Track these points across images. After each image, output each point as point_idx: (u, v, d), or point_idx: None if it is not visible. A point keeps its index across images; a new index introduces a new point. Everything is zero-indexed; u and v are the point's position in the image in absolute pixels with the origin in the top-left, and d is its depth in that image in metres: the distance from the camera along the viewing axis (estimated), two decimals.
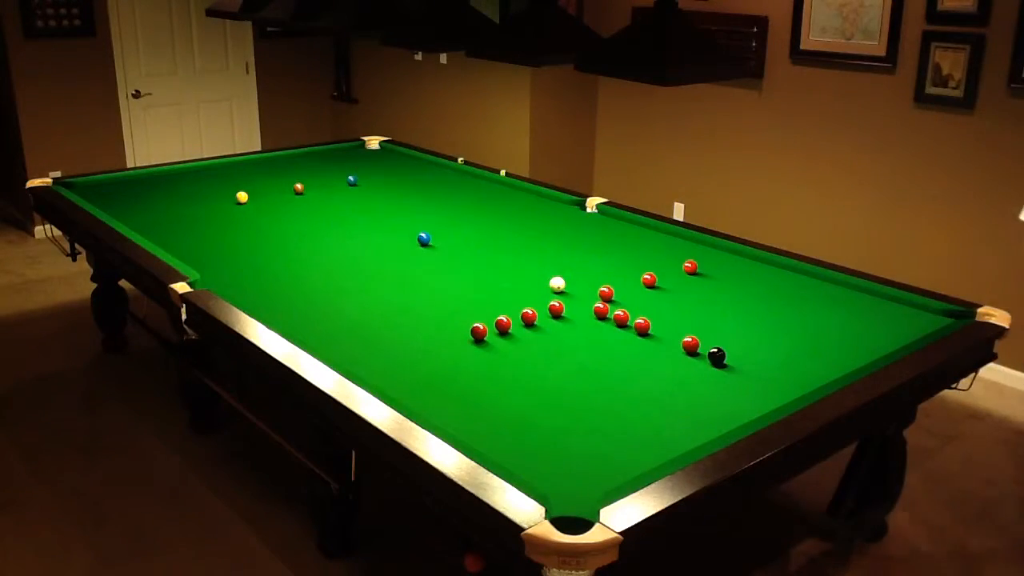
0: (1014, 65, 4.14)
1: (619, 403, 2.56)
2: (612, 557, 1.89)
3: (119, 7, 6.41)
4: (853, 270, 3.48)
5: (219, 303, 3.12)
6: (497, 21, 5.10)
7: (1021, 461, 3.84)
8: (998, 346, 3.04)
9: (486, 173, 4.88)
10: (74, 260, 4.59)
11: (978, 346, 2.95)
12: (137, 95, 6.62)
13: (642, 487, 2.08)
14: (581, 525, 1.92)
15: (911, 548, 3.23)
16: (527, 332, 2.99)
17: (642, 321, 2.99)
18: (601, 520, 1.95)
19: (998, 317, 3.02)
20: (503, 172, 4.85)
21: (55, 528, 3.29)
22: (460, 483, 2.08)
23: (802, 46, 4.91)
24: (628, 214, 4.20)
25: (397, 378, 2.64)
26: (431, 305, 3.24)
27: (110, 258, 3.97)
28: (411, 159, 5.26)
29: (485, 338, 2.91)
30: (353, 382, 2.56)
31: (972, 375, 2.98)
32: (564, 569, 1.87)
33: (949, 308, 3.13)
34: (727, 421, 2.40)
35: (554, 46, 3.15)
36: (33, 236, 6.41)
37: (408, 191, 4.63)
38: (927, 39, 4.41)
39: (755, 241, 3.82)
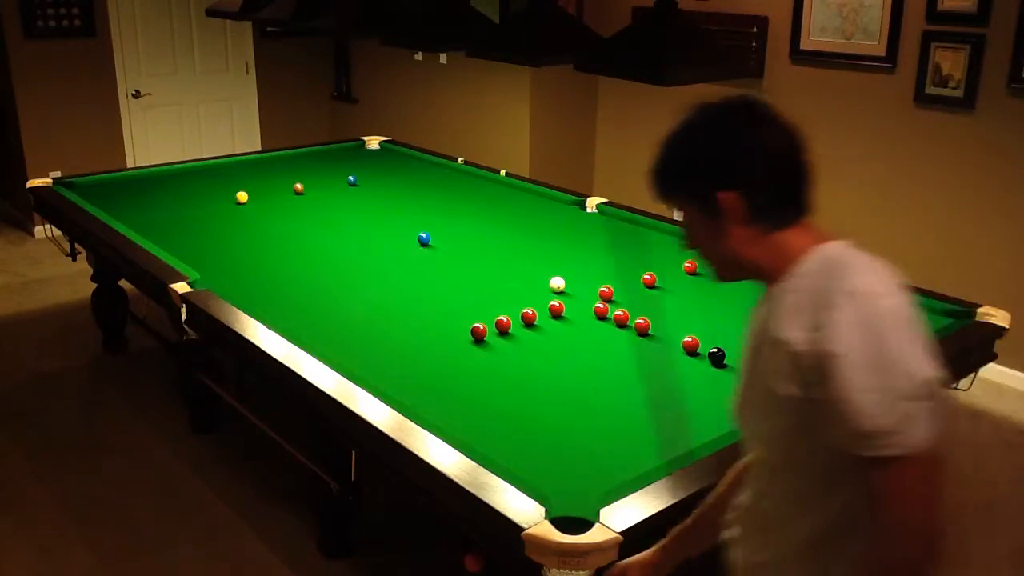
0: (1014, 65, 4.14)
1: (619, 403, 2.56)
2: (612, 557, 1.89)
3: (119, 7, 6.41)
4: None
5: (219, 303, 3.12)
6: (497, 21, 5.10)
7: (1021, 461, 3.84)
8: (998, 346, 3.03)
9: (486, 173, 4.88)
10: (74, 260, 4.59)
11: (978, 346, 2.95)
12: (137, 95, 6.62)
13: (642, 487, 2.08)
14: (581, 525, 1.92)
15: None
16: (527, 332, 2.99)
17: (642, 321, 2.99)
18: (601, 520, 1.95)
19: (998, 317, 3.01)
20: (503, 172, 4.85)
21: (55, 528, 3.29)
22: (460, 483, 2.08)
23: (802, 46, 4.90)
24: (628, 214, 4.20)
25: (397, 378, 2.63)
26: (431, 305, 3.24)
27: (110, 258, 3.97)
28: (411, 159, 5.26)
29: (485, 338, 2.91)
30: (353, 382, 2.55)
31: (972, 375, 2.98)
32: (564, 569, 1.87)
33: (949, 308, 3.13)
34: (727, 421, 2.39)
35: (554, 46, 3.15)
36: (33, 236, 6.41)
37: (408, 191, 4.63)
38: (927, 39, 4.41)
39: None
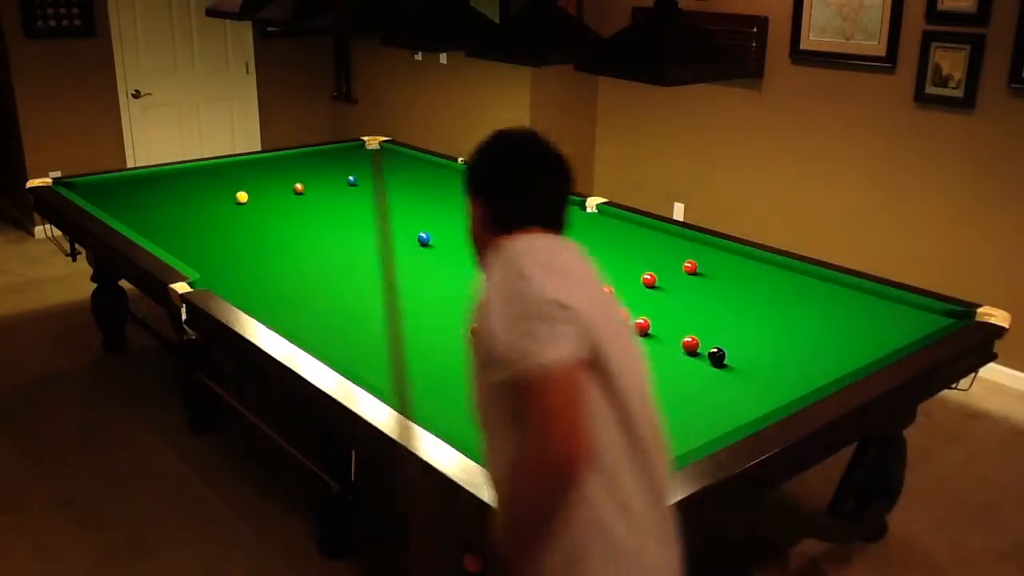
0: (1014, 65, 4.14)
1: None
2: None
3: (119, 7, 6.41)
4: (853, 270, 3.48)
5: (219, 303, 3.12)
6: (497, 21, 5.10)
7: (1021, 461, 3.84)
8: (998, 346, 3.04)
9: None
10: (74, 260, 4.59)
11: (978, 346, 2.95)
12: (137, 95, 6.62)
13: None
14: None
15: (911, 548, 3.23)
16: None
17: (642, 321, 2.99)
18: None
19: (998, 317, 3.02)
20: None
21: (55, 528, 3.29)
22: (460, 482, 2.08)
23: (802, 46, 4.90)
24: (628, 214, 4.20)
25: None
26: (431, 305, 3.23)
27: (110, 258, 3.97)
28: (411, 159, 5.26)
29: None
30: (353, 382, 2.56)
31: (972, 375, 2.98)
32: None
33: (949, 308, 3.13)
34: (727, 421, 2.40)
35: (554, 46, 3.15)
36: (33, 236, 6.41)
37: (408, 191, 4.63)
38: (927, 39, 4.41)
39: (755, 241, 3.82)
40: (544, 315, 1.41)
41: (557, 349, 1.40)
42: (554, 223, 1.68)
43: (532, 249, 1.56)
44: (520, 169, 1.70)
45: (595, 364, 1.47)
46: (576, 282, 1.52)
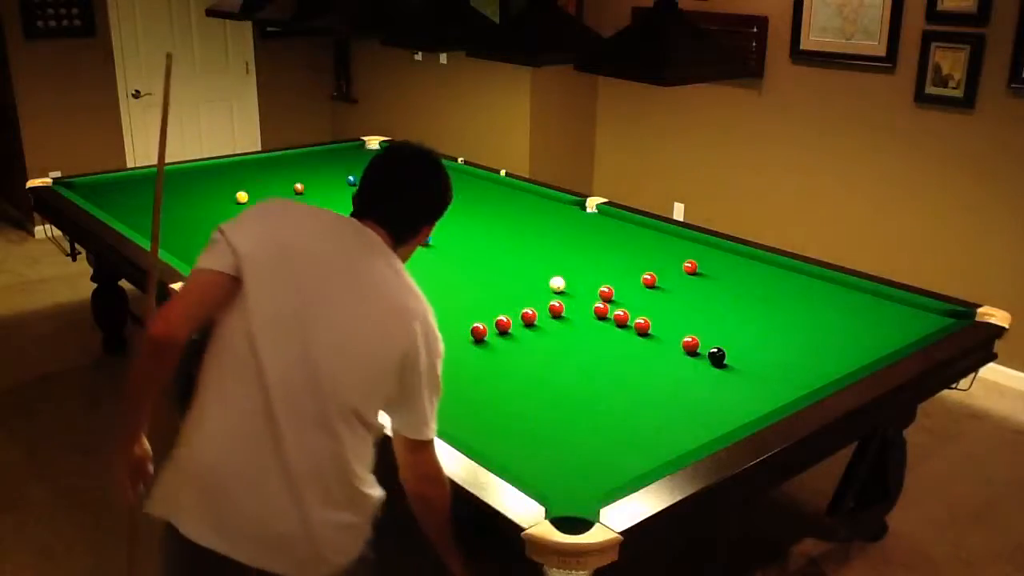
0: (1014, 65, 4.14)
1: (619, 403, 2.56)
2: (612, 557, 1.89)
3: (119, 7, 6.41)
4: (853, 270, 3.48)
5: None
6: (497, 21, 5.10)
7: (1021, 461, 3.84)
8: (998, 346, 3.04)
9: (486, 173, 4.88)
10: (74, 260, 4.59)
11: (978, 346, 2.96)
12: (137, 95, 6.62)
13: (642, 487, 2.08)
14: (581, 525, 1.92)
15: (911, 548, 3.23)
16: (527, 332, 2.99)
17: (642, 321, 2.99)
18: (601, 520, 1.95)
19: (998, 317, 3.02)
20: (503, 172, 4.85)
21: (55, 528, 3.29)
22: (460, 483, 2.08)
23: (802, 46, 4.90)
24: (628, 214, 4.20)
25: None
26: (431, 305, 3.23)
27: (110, 258, 3.97)
28: None
29: (485, 338, 2.91)
30: None
31: (972, 375, 2.98)
32: (564, 569, 1.88)
33: (949, 308, 3.13)
34: (727, 421, 2.40)
35: (554, 46, 3.15)
36: (33, 236, 6.41)
37: None
38: (927, 39, 4.41)
39: (755, 241, 3.82)
40: (212, 237, 1.88)
41: (203, 259, 1.85)
42: (376, 217, 1.93)
43: (271, 202, 1.99)
44: (369, 171, 1.98)
45: (238, 285, 1.81)
46: (260, 227, 1.90)
